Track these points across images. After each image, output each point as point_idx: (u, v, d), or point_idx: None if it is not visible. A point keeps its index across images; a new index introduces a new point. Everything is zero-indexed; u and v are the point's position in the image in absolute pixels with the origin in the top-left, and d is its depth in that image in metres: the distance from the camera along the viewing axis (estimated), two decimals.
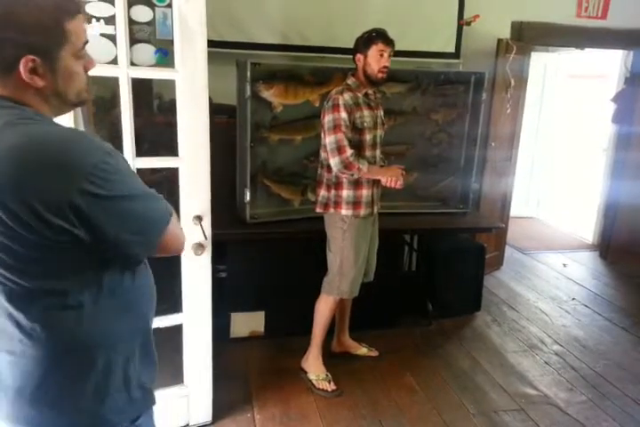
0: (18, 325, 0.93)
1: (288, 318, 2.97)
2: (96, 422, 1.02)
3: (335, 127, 2.36)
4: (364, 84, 2.47)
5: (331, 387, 2.64)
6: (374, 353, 2.98)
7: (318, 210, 2.58)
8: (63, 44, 0.92)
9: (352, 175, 2.40)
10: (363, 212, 2.50)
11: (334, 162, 2.36)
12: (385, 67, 2.42)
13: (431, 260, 3.50)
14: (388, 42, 2.41)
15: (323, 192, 2.55)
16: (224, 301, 2.87)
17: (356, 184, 2.47)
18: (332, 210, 2.52)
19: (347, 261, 2.53)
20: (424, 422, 2.46)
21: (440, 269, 3.46)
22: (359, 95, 2.45)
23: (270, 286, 2.99)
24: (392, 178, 2.40)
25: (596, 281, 4.35)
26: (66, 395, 0.98)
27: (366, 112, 2.45)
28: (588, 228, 5.30)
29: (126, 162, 0.97)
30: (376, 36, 2.40)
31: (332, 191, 2.50)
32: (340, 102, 2.36)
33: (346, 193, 2.47)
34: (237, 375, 2.73)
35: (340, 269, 2.55)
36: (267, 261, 3.00)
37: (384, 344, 3.06)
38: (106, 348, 1.00)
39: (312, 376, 2.68)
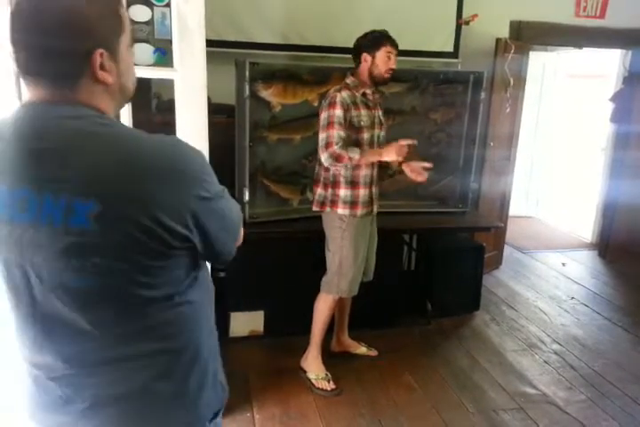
0: (139, 326, 0.92)
1: (287, 317, 2.97)
2: (195, 416, 1.02)
3: (328, 124, 2.36)
4: (363, 83, 2.47)
5: (330, 386, 2.64)
6: (373, 352, 2.98)
7: (315, 208, 2.58)
8: (121, 34, 0.90)
9: (347, 166, 2.39)
10: (360, 211, 2.50)
11: (324, 157, 2.36)
12: (391, 69, 2.45)
13: (430, 259, 3.50)
14: (395, 44, 2.45)
15: (320, 190, 2.55)
16: (223, 300, 2.86)
17: (354, 184, 2.47)
18: (328, 209, 2.52)
19: (346, 261, 2.53)
20: (423, 420, 2.46)
21: (439, 268, 3.46)
22: (357, 94, 2.46)
23: (269, 285, 2.99)
24: (391, 153, 2.34)
25: (594, 280, 4.36)
26: (178, 393, 0.98)
27: (363, 111, 2.45)
28: (586, 227, 5.30)
29: None
30: (385, 38, 2.43)
31: (330, 190, 2.51)
32: (337, 100, 2.37)
33: (343, 192, 2.48)
34: (237, 375, 2.72)
35: (339, 268, 2.55)
36: (266, 261, 2.99)
37: (383, 343, 3.06)
38: (204, 342, 1.02)
39: (311, 376, 2.69)
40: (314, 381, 2.67)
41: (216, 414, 1.08)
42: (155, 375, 0.95)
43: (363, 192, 2.49)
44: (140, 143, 0.86)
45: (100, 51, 0.85)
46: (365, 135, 2.46)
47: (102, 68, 0.87)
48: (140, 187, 0.82)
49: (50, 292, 0.86)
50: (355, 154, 2.34)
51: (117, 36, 0.89)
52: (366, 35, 2.47)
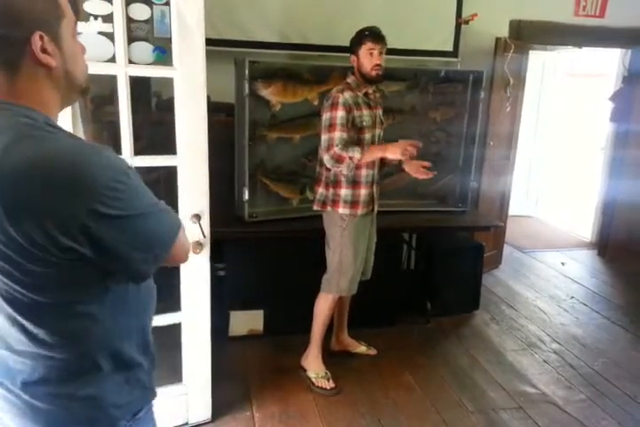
0: (24, 330, 0.92)
1: (287, 316, 2.97)
2: (101, 418, 1.03)
3: (330, 126, 2.37)
4: (362, 83, 2.48)
5: (329, 385, 2.64)
6: (373, 351, 2.98)
7: (316, 207, 2.58)
8: (61, 19, 0.91)
9: (349, 165, 2.37)
10: (360, 211, 2.50)
11: (326, 159, 2.37)
12: (377, 64, 2.40)
13: (430, 258, 3.50)
14: (377, 40, 2.40)
15: (321, 190, 2.55)
16: (223, 299, 2.86)
17: (355, 183, 2.48)
18: (329, 208, 2.52)
19: (345, 259, 2.54)
20: (423, 420, 2.46)
21: (439, 267, 3.46)
22: (359, 94, 2.46)
23: (269, 284, 2.99)
24: (397, 152, 2.31)
25: (594, 279, 4.36)
26: (71, 394, 0.99)
27: (365, 111, 2.45)
28: (586, 226, 5.31)
29: (139, 177, 0.93)
30: (364, 36, 2.41)
31: (331, 190, 2.51)
32: (340, 101, 2.37)
33: (344, 192, 2.48)
34: (236, 374, 2.73)
35: (338, 266, 2.55)
36: (265, 260, 3.00)
37: (383, 343, 3.06)
38: (110, 348, 1.01)
39: (311, 374, 2.69)
40: (313, 379, 2.67)
41: (136, 413, 1.09)
42: (44, 378, 0.96)
43: (364, 192, 2.49)
44: (50, 150, 0.85)
45: (39, 33, 0.86)
46: (367, 135, 2.47)
47: (45, 51, 0.88)
48: (31, 193, 0.82)
49: None
50: (355, 153, 2.33)
51: (57, 20, 0.90)
52: (353, 37, 2.47)
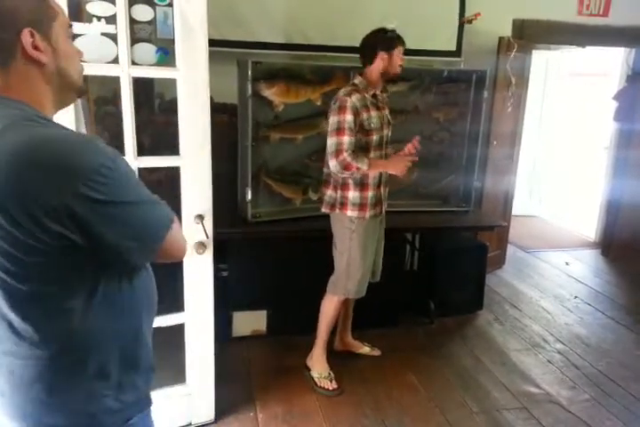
0: (11, 327, 0.92)
1: (290, 316, 2.97)
2: (89, 423, 1.02)
3: (338, 130, 2.34)
4: (373, 83, 2.46)
5: (332, 386, 2.64)
6: (377, 352, 2.98)
7: (324, 210, 2.57)
8: (55, 18, 0.94)
9: (352, 174, 2.38)
10: (368, 213, 2.48)
11: (332, 164, 2.35)
12: (401, 65, 2.48)
13: (433, 258, 3.50)
14: (404, 43, 2.49)
15: (330, 192, 2.54)
16: (226, 300, 2.86)
17: (362, 185, 2.46)
18: (337, 211, 2.51)
19: (354, 262, 2.52)
20: (426, 420, 2.46)
21: (442, 267, 3.45)
22: (367, 96, 2.43)
23: (272, 284, 2.99)
24: (398, 170, 2.39)
25: (598, 279, 4.34)
26: (58, 396, 0.98)
27: (374, 113, 2.43)
28: (590, 226, 5.29)
29: (129, 167, 0.95)
30: (397, 40, 2.45)
31: (339, 192, 2.49)
32: (348, 104, 2.34)
33: (352, 194, 2.46)
34: (239, 374, 2.73)
35: (346, 269, 2.54)
36: (268, 260, 3.00)
37: (386, 343, 3.06)
38: (99, 350, 0.99)
39: (315, 374, 2.69)
40: (316, 379, 2.67)
41: (128, 419, 1.07)
42: (29, 377, 0.96)
43: (371, 193, 2.47)
44: (43, 137, 0.87)
45: (29, 29, 0.89)
46: (375, 137, 2.44)
47: (36, 48, 0.90)
48: (16, 175, 0.82)
49: None
50: (363, 164, 2.32)
51: (49, 20, 0.93)
52: (377, 33, 2.45)
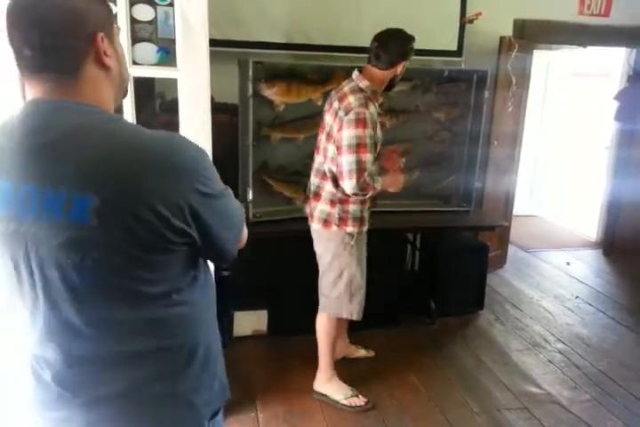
0: (138, 323, 0.92)
1: (291, 316, 2.96)
2: (192, 415, 1.02)
3: (359, 146, 2.11)
4: (379, 89, 2.28)
5: (362, 400, 2.52)
6: (371, 353, 2.96)
7: (316, 225, 2.36)
8: (114, 21, 0.94)
9: (364, 195, 2.23)
10: (365, 227, 2.38)
11: (351, 184, 2.14)
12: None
13: (434, 258, 3.49)
14: None
15: (323, 206, 2.33)
16: (227, 299, 2.85)
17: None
18: (334, 227, 2.31)
19: (355, 279, 2.38)
20: (427, 420, 2.46)
21: (443, 267, 3.45)
22: (376, 105, 2.25)
23: (273, 284, 2.99)
24: (397, 188, 2.39)
25: (599, 279, 4.34)
26: (174, 392, 0.98)
27: (379, 123, 2.26)
28: (591, 226, 5.28)
29: None
30: (413, 49, 2.27)
31: (337, 206, 2.30)
32: (367, 117, 2.12)
33: (352, 208, 2.30)
34: (240, 374, 2.73)
35: (347, 288, 2.39)
36: (269, 260, 2.99)
37: (387, 343, 3.06)
38: (202, 343, 1.01)
39: (338, 397, 2.53)
40: (345, 401, 2.51)
41: (215, 413, 1.08)
42: (149, 374, 0.95)
43: (368, 206, 2.36)
44: (138, 137, 0.87)
45: (101, 34, 0.88)
46: (379, 150, 2.31)
47: (105, 53, 0.90)
48: (137, 180, 0.82)
49: (51, 288, 0.86)
50: (378, 184, 2.21)
51: (111, 23, 0.92)
52: (409, 41, 2.24)
